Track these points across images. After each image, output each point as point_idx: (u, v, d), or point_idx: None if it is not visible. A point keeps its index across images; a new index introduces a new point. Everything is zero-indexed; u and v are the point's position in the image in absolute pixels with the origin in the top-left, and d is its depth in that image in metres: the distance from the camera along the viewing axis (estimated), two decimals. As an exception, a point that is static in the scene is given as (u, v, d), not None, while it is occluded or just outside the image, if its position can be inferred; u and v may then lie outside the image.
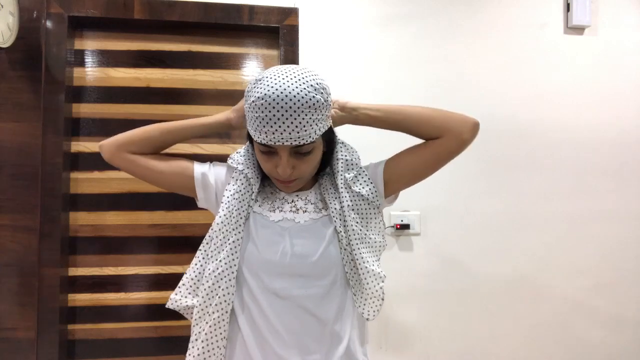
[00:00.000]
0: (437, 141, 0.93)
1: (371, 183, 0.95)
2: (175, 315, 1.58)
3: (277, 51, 1.65)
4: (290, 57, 1.60)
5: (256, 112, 0.81)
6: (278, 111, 0.78)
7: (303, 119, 0.79)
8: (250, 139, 0.94)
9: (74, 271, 1.55)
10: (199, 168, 1.02)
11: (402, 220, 1.60)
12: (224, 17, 1.58)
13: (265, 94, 0.79)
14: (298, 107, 0.79)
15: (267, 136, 0.81)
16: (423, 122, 0.94)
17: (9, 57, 1.46)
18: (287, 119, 0.78)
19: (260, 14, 1.60)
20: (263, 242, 0.90)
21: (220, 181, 1.00)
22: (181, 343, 1.57)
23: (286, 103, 0.78)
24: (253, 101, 0.81)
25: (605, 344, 1.71)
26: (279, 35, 1.60)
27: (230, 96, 1.65)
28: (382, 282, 0.91)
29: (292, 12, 1.61)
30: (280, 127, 0.79)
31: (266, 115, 0.79)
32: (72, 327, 1.54)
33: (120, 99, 1.59)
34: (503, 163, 1.69)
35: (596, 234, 1.72)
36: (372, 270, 0.90)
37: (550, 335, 1.68)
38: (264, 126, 0.80)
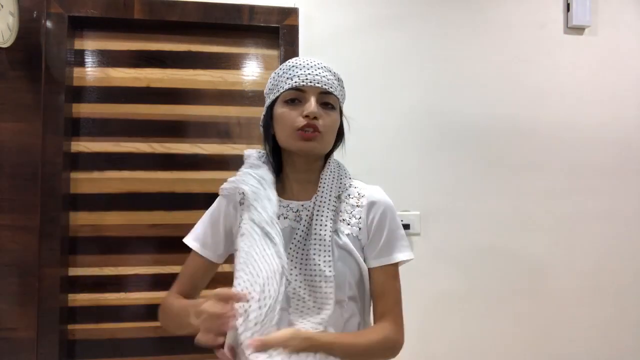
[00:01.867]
0: None
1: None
2: (175, 315, 1.58)
3: (277, 51, 1.65)
4: (290, 57, 1.55)
5: (287, 66, 0.90)
6: (310, 62, 0.90)
7: (329, 75, 0.90)
8: (266, 135, 0.95)
9: (74, 271, 1.55)
10: (195, 243, 1.01)
11: (402, 220, 1.56)
12: (224, 17, 1.58)
13: (296, 59, 0.92)
14: (324, 66, 0.91)
15: (299, 78, 0.88)
16: None
17: (9, 57, 1.46)
18: (317, 68, 0.89)
19: (260, 14, 1.60)
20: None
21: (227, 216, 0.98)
22: (181, 343, 1.57)
23: (315, 61, 0.91)
24: (282, 66, 0.92)
25: (605, 344, 1.71)
26: (279, 35, 1.60)
27: (230, 96, 1.65)
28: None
29: (292, 12, 1.61)
30: (312, 71, 0.89)
31: (299, 63, 0.89)
32: (72, 327, 1.54)
33: (120, 99, 1.59)
34: (503, 163, 1.69)
35: (596, 234, 1.72)
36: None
37: (551, 335, 1.68)
38: (296, 71, 0.88)
